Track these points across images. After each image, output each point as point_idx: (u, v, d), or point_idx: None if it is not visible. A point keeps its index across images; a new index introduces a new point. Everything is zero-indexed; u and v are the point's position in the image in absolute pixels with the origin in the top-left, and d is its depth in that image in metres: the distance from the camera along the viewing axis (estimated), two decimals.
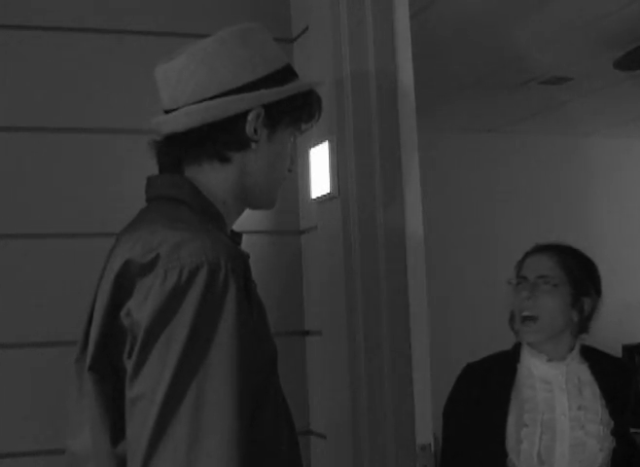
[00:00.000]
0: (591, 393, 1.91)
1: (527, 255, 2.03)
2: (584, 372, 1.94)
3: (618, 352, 5.25)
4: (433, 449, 1.86)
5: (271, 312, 2.03)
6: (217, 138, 1.28)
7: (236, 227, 1.40)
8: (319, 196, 1.94)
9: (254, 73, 1.28)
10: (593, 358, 1.97)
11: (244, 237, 1.42)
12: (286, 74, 1.33)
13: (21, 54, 1.92)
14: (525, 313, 1.93)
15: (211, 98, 1.26)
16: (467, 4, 3.37)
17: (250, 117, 1.28)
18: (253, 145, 1.29)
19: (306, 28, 2.04)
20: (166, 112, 1.31)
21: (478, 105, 5.05)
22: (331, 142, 1.88)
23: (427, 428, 1.85)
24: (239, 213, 1.37)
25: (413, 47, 1.93)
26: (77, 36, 1.95)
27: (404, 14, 1.92)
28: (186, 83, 1.27)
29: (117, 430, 1.17)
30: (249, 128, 1.28)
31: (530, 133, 5.74)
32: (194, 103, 1.26)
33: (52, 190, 1.92)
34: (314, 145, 1.95)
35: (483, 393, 1.94)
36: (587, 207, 5.89)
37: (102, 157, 1.95)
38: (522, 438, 1.88)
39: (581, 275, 1.96)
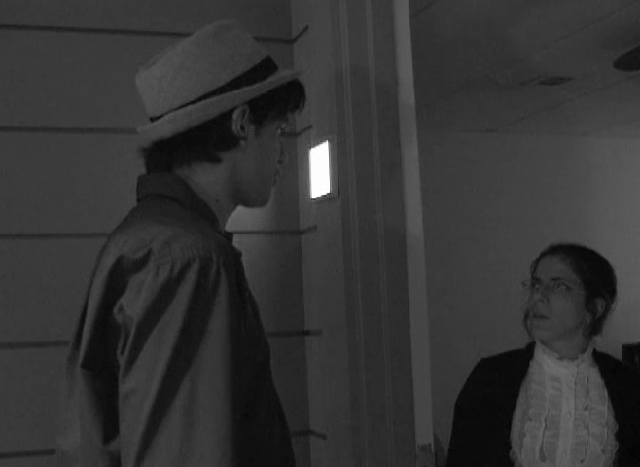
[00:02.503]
0: (599, 395, 1.92)
1: (542, 255, 2.04)
2: (594, 374, 1.95)
3: (618, 352, 5.25)
4: (433, 449, 1.86)
5: (271, 312, 2.04)
6: (205, 140, 1.28)
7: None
8: (319, 196, 1.94)
9: (234, 71, 1.28)
10: (605, 364, 1.99)
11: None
12: (266, 67, 1.33)
13: (21, 54, 1.92)
14: (537, 314, 1.96)
15: (194, 102, 1.26)
16: (467, 4, 3.37)
17: (235, 115, 1.28)
18: (242, 142, 1.30)
19: (306, 28, 2.04)
20: (152, 119, 1.31)
21: (478, 105, 5.05)
22: (331, 142, 1.88)
23: (427, 428, 1.85)
24: (232, 211, 1.37)
25: (413, 46, 1.93)
26: (77, 36, 1.95)
27: (404, 13, 1.92)
28: (168, 89, 1.28)
29: (109, 427, 1.17)
30: (236, 127, 1.28)
31: (530, 133, 5.74)
32: (178, 108, 1.27)
33: (51, 190, 1.92)
34: (314, 145, 1.95)
35: (495, 387, 1.96)
36: (587, 207, 5.89)
37: (102, 156, 1.95)
38: (525, 431, 1.90)
39: (593, 277, 1.97)
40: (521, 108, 5.13)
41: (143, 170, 1.35)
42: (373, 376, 1.82)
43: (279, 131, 1.37)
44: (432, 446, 1.86)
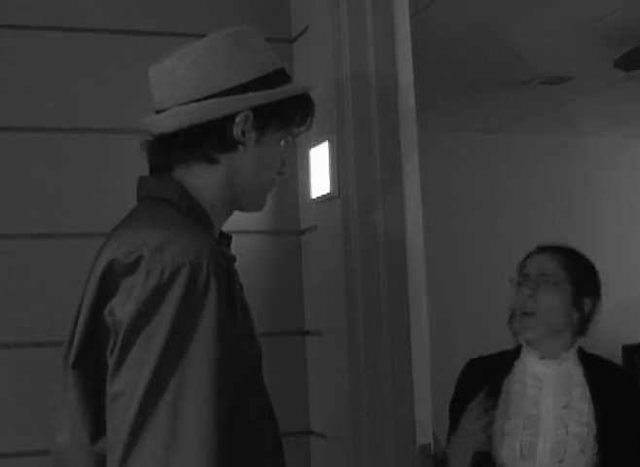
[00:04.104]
0: (581, 394, 1.90)
1: (529, 255, 2.04)
2: (577, 373, 1.93)
3: (618, 352, 5.25)
4: (433, 449, 1.86)
5: (271, 312, 2.04)
6: (204, 140, 1.28)
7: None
8: (319, 196, 1.94)
9: (244, 76, 1.28)
10: (591, 363, 1.96)
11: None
12: (277, 78, 1.33)
13: (21, 54, 1.92)
14: (525, 311, 1.94)
15: (199, 100, 1.27)
16: (467, 4, 3.37)
17: (238, 119, 1.28)
18: (240, 147, 1.30)
19: (306, 28, 2.04)
20: (157, 112, 1.32)
21: (478, 105, 5.05)
22: (331, 142, 1.88)
23: (427, 428, 1.86)
24: (228, 215, 1.38)
25: (413, 46, 1.93)
26: (77, 36, 1.96)
27: (404, 13, 1.92)
28: (176, 84, 1.28)
29: (97, 427, 1.18)
30: (236, 131, 1.28)
31: (530, 133, 5.74)
32: (182, 104, 1.27)
33: (51, 190, 1.92)
34: (314, 145, 1.95)
35: (481, 389, 1.95)
36: (587, 207, 5.89)
37: (102, 156, 1.96)
38: (506, 430, 1.89)
39: (581, 275, 1.98)
40: (521, 108, 5.14)
41: (143, 170, 1.36)
42: (373, 376, 1.82)
43: (282, 143, 1.37)
44: (432, 446, 1.86)
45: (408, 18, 1.93)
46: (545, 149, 5.83)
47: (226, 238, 1.39)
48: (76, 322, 1.24)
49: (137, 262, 1.14)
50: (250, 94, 1.28)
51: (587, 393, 1.89)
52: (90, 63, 1.96)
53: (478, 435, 1.87)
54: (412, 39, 1.93)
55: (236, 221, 1.42)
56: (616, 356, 5.15)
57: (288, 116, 1.34)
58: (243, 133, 1.29)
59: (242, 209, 1.39)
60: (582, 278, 1.97)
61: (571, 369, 1.94)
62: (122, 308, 1.13)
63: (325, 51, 1.91)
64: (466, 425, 1.89)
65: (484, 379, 1.97)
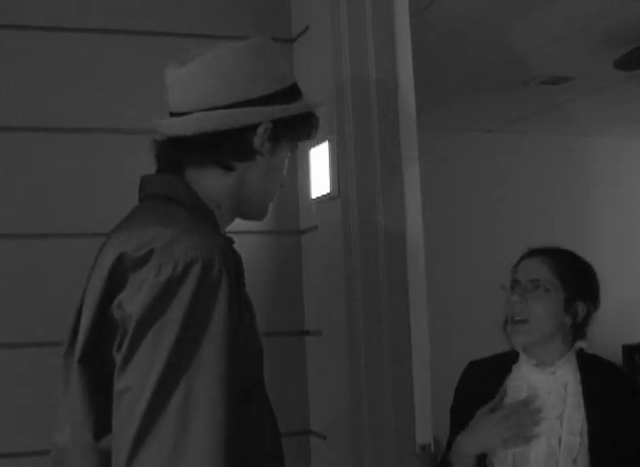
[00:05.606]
0: (576, 403, 1.84)
1: (522, 259, 1.99)
2: (573, 380, 1.87)
3: (618, 352, 5.25)
4: (433, 449, 1.86)
5: (271, 312, 2.04)
6: (224, 147, 1.29)
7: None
8: (319, 196, 1.94)
9: (268, 88, 1.30)
10: (591, 367, 1.90)
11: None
12: (294, 92, 1.35)
13: (21, 54, 1.92)
14: (516, 318, 1.89)
15: (223, 107, 1.27)
16: (467, 4, 3.37)
17: (260, 130, 1.30)
18: (258, 158, 1.31)
19: (306, 28, 2.04)
20: (172, 114, 1.31)
21: (478, 105, 5.05)
22: (331, 142, 1.88)
23: (427, 428, 1.85)
24: (230, 221, 1.38)
25: (413, 46, 1.93)
26: (77, 36, 1.96)
27: (404, 14, 1.92)
28: (199, 89, 1.29)
29: (101, 424, 1.17)
30: (257, 141, 1.30)
31: (530, 133, 5.74)
32: (205, 110, 1.27)
33: (51, 190, 1.92)
34: (314, 145, 1.95)
35: (481, 391, 1.93)
36: (587, 207, 5.89)
37: (102, 156, 1.96)
38: None
39: (574, 279, 1.91)
40: (521, 108, 5.14)
41: (143, 170, 1.36)
42: (373, 376, 1.82)
43: (289, 155, 1.39)
44: (432, 446, 1.86)
45: (408, 19, 1.93)
46: (545, 149, 5.83)
47: (229, 242, 1.39)
48: (76, 322, 1.23)
49: (148, 256, 1.14)
50: (275, 107, 1.30)
51: (582, 402, 1.83)
52: (90, 63, 1.96)
53: (493, 438, 1.83)
54: (413, 39, 1.93)
55: (237, 221, 1.42)
56: (616, 356, 5.14)
57: (300, 129, 1.37)
58: (262, 144, 1.31)
59: (244, 217, 1.40)
60: (575, 283, 1.90)
61: (567, 376, 1.88)
62: (131, 302, 1.13)
63: (325, 51, 1.91)
64: (480, 426, 1.85)
65: (485, 382, 1.93)
